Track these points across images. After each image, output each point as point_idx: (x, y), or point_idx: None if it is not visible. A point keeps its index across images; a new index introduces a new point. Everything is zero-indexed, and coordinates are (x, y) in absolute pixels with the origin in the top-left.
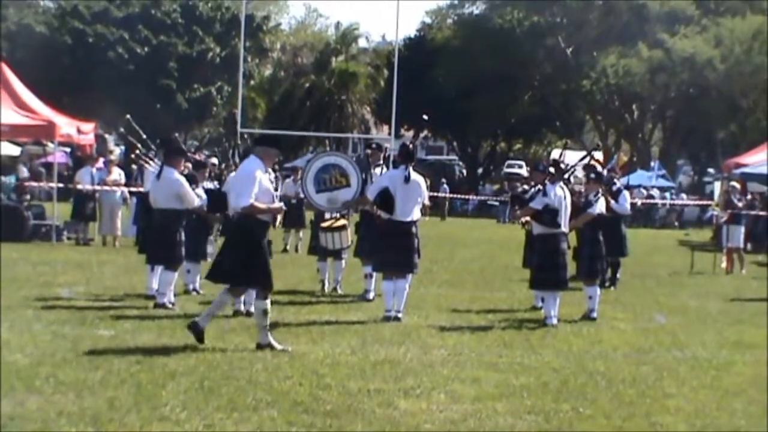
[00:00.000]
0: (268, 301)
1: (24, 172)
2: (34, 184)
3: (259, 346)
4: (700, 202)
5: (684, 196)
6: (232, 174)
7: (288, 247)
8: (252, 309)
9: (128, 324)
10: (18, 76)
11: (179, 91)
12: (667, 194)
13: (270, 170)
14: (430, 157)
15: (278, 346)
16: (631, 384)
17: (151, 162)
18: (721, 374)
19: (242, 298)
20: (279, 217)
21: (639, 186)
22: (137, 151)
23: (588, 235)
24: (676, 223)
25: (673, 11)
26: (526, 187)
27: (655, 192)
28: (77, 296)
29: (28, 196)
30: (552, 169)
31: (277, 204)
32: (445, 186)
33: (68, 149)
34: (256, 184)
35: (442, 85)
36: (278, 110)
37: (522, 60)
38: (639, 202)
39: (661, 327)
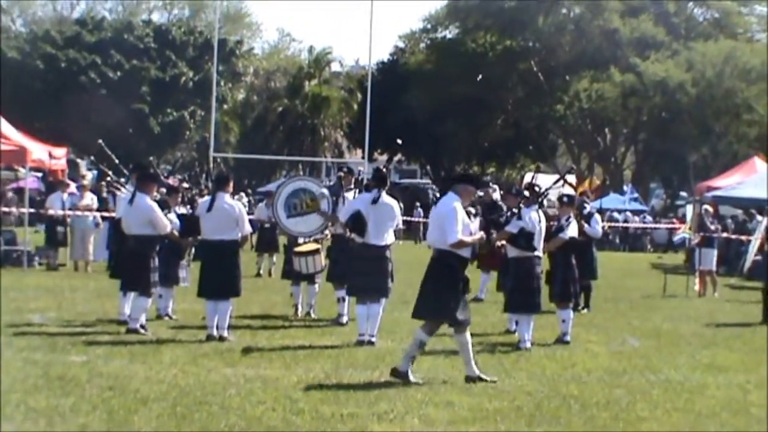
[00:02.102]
0: (468, 334)
1: None
2: (5, 209)
3: (468, 379)
4: (670, 225)
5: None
6: (435, 210)
7: (261, 272)
8: (225, 334)
9: (100, 350)
10: None
11: (152, 115)
12: (648, 217)
13: (242, 194)
14: (403, 181)
15: (412, 379)
16: (604, 407)
17: (122, 188)
18: (695, 397)
19: (214, 322)
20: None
21: (612, 210)
22: (108, 179)
23: (560, 258)
24: (649, 246)
25: (644, 36)
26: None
27: (628, 215)
28: (49, 322)
29: None
30: (527, 193)
31: (478, 234)
32: (420, 210)
33: (40, 174)
34: (460, 221)
35: (415, 108)
36: (251, 134)
37: (495, 84)
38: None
39: (634, 350)
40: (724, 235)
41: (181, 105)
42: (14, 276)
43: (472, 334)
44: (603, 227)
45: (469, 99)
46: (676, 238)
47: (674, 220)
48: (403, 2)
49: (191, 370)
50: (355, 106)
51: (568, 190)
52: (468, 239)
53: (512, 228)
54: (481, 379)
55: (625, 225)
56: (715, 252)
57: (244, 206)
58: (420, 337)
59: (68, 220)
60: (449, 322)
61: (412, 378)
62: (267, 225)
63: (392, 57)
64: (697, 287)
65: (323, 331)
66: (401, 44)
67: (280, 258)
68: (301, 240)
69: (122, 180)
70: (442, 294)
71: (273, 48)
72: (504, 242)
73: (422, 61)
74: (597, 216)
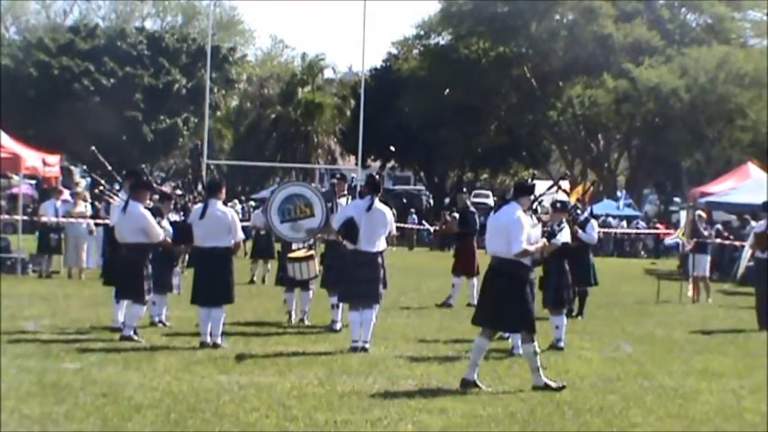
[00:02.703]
0: (536, 343)
1: None
2: None
3: (535, 388)
4: (662, 231)
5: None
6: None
7: (255, 279)
8: (218, 341)
9: (94, 357)
10: None
11: (145, 122)
12: (642, 223)
13: (236, 201)
14: (397, 187)
15: (553, 384)
16: (598, 413)
17: (115, 196)
18: (688, 403)
19: (208, 329)
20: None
21: (606, 215)
22: (101, 187)
23: (554, 264)
24: (643, 252)
25: (637, 42)
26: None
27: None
28: (42, 329)
29: None
30: None
31: (540, 242)
32: (414, 216)
33: (34, 181)
34: (526, 230)
35: (408, 115)
36: (244, 141)
37: (488, 90)
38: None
39: (627, 356)
40: (718, 240)
41: (175, 112)
42: (8, 283)
43: (465, 340)
44: (598, 233)
45: (463, 105)
46: (668, 241)
47: (658, 226)
48: (396, 8)
49: (185, 377)
50: (349, 113)
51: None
52: (531, 248)
53: None
54: (548, 387)
55: (618, 231)
56: (709, 258)
57: (238, 213)
58: (530, 349)
59: (62, 227)
60: (526, 330)
61: (482, 386)
62: (263, 232)
63: (385, 63)
64: (690, 293)
65: (317, 338)
66: (394, 51)
67: (274, 265)
68: (294, 246)
69: (116, 188)
70: (512, 304)
71: (266, 55)
72: None
73: (415, 67)
74: (593, 222)
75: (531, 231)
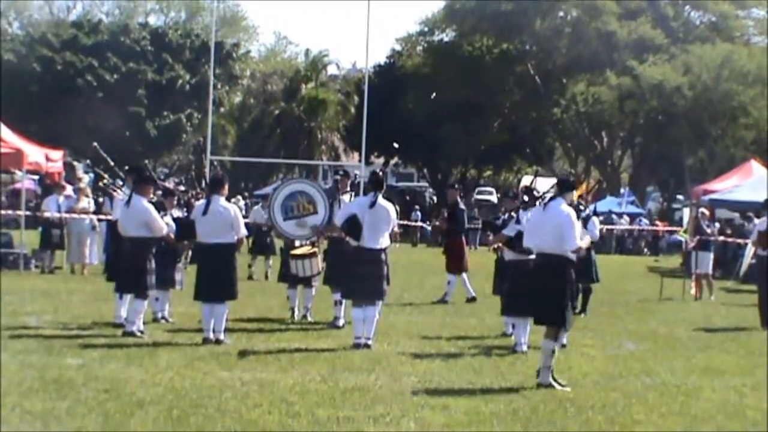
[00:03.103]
0: (558, 343)
1: None
2: (2, 212)
3: (539, 385)
4: (666, 228)
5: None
6: (526, 215)
7: (254, 276)
8: (221, 337)
9: (96, 353)
10: None
11: (148, 118)
12: (645, 220)
13: (239, 197)
14: (400, 184)
15: (558, 386)
16: (600, 411)
17: (119, 190)
18: (690, 400)
19: (210, 326)
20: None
21: (609, 212)
22: (104, 181)
23: None
24: (646, 250)
25: (641, 39)
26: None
27: (625, 218)
28: (45, 325)
29: None
30: (525, 197)
31: (587, 238)
32: (418, 213)
33: (36, 177)
34: (578, 226)
35: (412, 112)
36: (248, 137)
37: (492, 87)
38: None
39: (630, 353)
40: (721, 238)
41: (178, 108)
42: (10, 279)
43: (467, 337)
44: (600, 230)
45: (466, 102)
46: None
47: (657, 223)
48: (400, 5)
49: (187, 373)
50: (352, 109)
51: None
52: (583, 244)
53: (509, 231)
54: (552, 387)
55: (618, 228)
56: (711, 255)
57: (241, 209)
58: (550, 346)
59: (65, 222)
60: (557, 326)
61: (558, 386)
62: (265, 228)
63: (389, 60)
64: (693, 290)
65: (319, 334)
66: (398, 47)
67: (276, 261)
68: (297, 243)
69: (119, 182)
70: (554, 299)
71: (270, 51)
72: (501, 245)
73: (419, 64)
74: (594, 219)
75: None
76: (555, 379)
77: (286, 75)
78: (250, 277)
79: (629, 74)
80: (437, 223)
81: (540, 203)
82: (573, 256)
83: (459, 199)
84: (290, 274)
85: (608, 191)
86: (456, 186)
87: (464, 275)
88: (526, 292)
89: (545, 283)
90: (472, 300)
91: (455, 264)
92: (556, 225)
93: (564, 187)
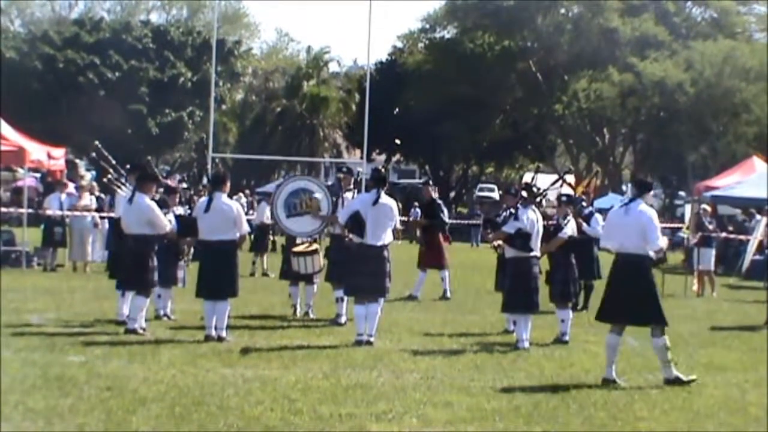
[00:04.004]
0: (666, 337)
1: None
2: (4, 210)
3: (667, 381)
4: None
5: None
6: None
7: (255, 273)
8: (223, 334)
9: (98, 350)
10: None
11: (150, 116)
12: None
13: (241, 194)
14: (402, 181)
15: (684, 378)
16: (602, 407)
17: (122, 187)
18: (693, 397)
19: (213, 323)
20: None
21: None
22: (109, 176)
23: (560, 258)
24: None
25: (643, 35)
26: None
27: None
28: (47, 322)
29: None
30: (524, 193)
31: (665, 237)
32: (418, 210)
33: (38, 175)
34: (660, 226)
35: (413, 109)
36: (250, 135)
37: (493, 84)
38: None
39: (632, 350)
40: (723, 235)
41: (180, 105)
42: (13, 276)
43: (470, 334)
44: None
45: (468, 99)
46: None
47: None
48: (401, 2)
49: (189, 370)
50: (354, 107)
51: (567, 190)
52: (665, 244)
53: (509, 228)
54: (680, 381)
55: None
56: (714, 252)
57: (243, 206)
58: (661, 342)
59: (67, 220)
60: (656, 324)
61: (620, 382)
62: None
63: (390, 57)
64: (695, 287)
65: (321, 331)
66: (399, 44)
67: (274, 258)
68: (299, 240)
69: (122, 179)
70: (643, 299)
71: (271, 48)
72: (501, 242)
73: (421, 61)
74: (597, 215)
75: None
76: (679, 372)
77: (288, 72)
78: (252, 274)
79: (631, 71)
80: (418, 219)
81: (619, 205)
82: (653, 255)
83: (435, 195)
84: (292, 271)
85: (610, 188)
86: (430, 182)
87: (445, 272)
88: (614, 298)
89: (634, 285)
90: (413, 298)
91: (433, 259)
92: (639, 225)
93: (642, 188)
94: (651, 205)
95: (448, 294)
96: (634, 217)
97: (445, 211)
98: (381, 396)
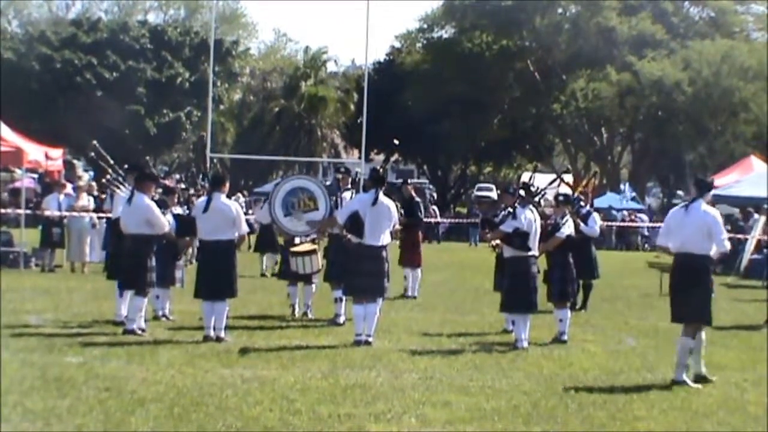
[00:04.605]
0: (702, 334)
1: None
2: (2, 210)
3: (675, 382)
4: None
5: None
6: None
7: (266, 272)
8: (222, 335)
9: (97, 351)
10: None
11: (148, 116)
12: (645, 216)
13: (239, 194)
14: (400, 181)
15: (693, 385)
16: (601, 406)
17: (121, 187)
18: (691, 396)
19: (211, 323)
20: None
21: (609, 208)
22: (108, 177)
23: (558, 258)
24: (646, 245)
25: (641, 35)
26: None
27: (625, 214)
28: (45, 323)
29: None
30: (522, 192)
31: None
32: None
33: (36, 175)
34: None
35: (412, 108)
36: (248, 135)
37: (491, 84)
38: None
39: (631, 349)
40: None
41: (178, 106)
42: (11, 277)
43: (468, 334)
44: (601, 226)
45: (466, 99)
46: None
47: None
48: (399, 2)
49: (188, 371)
50: (352, 107)
51: (566, 190)
52: (729, 245)
53: (507, 227)
54: (705, 379)
55: (621, 224)
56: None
57: (241, 207)
58: (689, 344)
59: (65, 221)
60: (706, 323)
61: (691, 384)
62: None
63: (389, 57)
64: None
65: (320, 332)
66: (398, 44)
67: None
68: (297, 240)
69: (120, 179)
70: (699, 298)
71: (269, 48)
72: (499, 242)
73: (419, 61)
74: (595, 215)
75: None
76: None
77: (286, 72)
78: (263, 274)
79: (629, 70)
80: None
81: (680, 206)
82: (714, 256)
83: (414, 194)
84: (290, 271)
85: (608, 187)
86: (409, 181)
87: (418, 271)
88: (679, 299)
89: (691, 283)
90: (411, 297)
91: (411, 258)
92: (703, 226)
93: (703, 187)
94: (712, 205)
95: (415, 293)
96: (698, 217)
97: (423, 210)
98: (380, 396)
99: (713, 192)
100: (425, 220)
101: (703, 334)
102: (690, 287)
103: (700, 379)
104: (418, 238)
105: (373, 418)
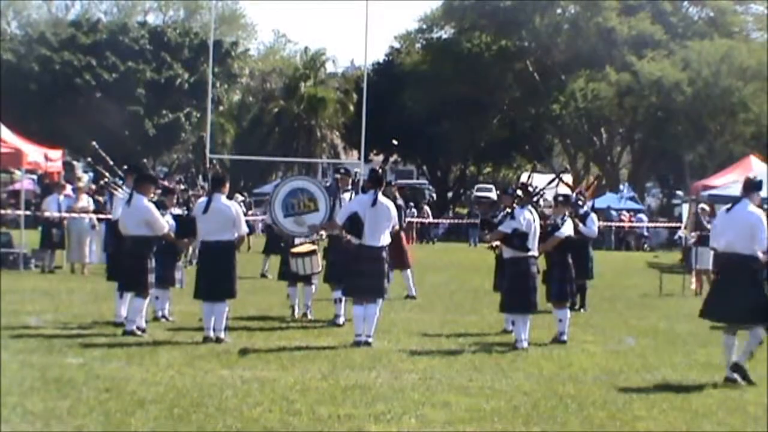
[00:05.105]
0: (760, 332)
1: None
2: (2, 211)
3: (727, 380)
4: (669, 225)
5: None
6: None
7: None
8: (221, 335)
9: (97, 352)
10: None
11: (147, 117)
12: (643, 216)
13: (238, 195)
14: (399, 182)
15: (742, 381)
16: (601, 407)
17: (120, 189)
18: (691, 396)
19: (211, 324)
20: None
21: (608, 208)
22: (106, 179)
23: (557, 258)
24: (646, 246)
25: (640, 35)
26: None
27: (624, 214)
28: (45, 324)
29: None
30: (520, 193)
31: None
32: (413, 210)
33: (36, 176)
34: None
35: (411, 109)
36: (247, 135)
37: (491, 84)
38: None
39: (630, 349)
40: None
41: (177, 106)
42: (11, 278)
43: (468, 334)
44: (599, 227)
45: (465, 99)
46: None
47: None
48: (398, 2)
49: (188, 371)
50: (351, 107)
51: (565, 190)
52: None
53: (506, 228)
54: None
55: (619, 224)
56: (711, 251)
57: (241, 207)
58: (731, 341)
59: (65, 222)
60: (761, 324)
61: (740, 380)
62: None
63: (388, 57)
64: (693, 286)
65: (320, 332)
66: (397, 45)
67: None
68: (297, 241)
69: (119, 180)
70: (752, 299)
71: (268, 49)
72: (499, 242)
73: (418, 61)
74: (593, 216)
75: None
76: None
77: (285, 73)
78: (263, 275)
79: (628, 70)
80: None
81: (728, 205)
82: (762, 257)
83: (397, 195)
84: (290, 272)
85: (608, 187)
86: (392, 182)
87: (407, 272)
88: (722, 298)
89: (740, 284)
90: (411, 297)
91: (398, 260)
92: (747, 226)
93: (750, 187)
94: (759, 206)
95: (413, 293)
96: (742, 217)
97: (406, 212)
98: (379, 397)
99: (711, 192)
100: (421, 221)
101: (761, 332)
102: (737, 287)
103: (737, 368)
104: (402, 240)
105: (372, 418)
